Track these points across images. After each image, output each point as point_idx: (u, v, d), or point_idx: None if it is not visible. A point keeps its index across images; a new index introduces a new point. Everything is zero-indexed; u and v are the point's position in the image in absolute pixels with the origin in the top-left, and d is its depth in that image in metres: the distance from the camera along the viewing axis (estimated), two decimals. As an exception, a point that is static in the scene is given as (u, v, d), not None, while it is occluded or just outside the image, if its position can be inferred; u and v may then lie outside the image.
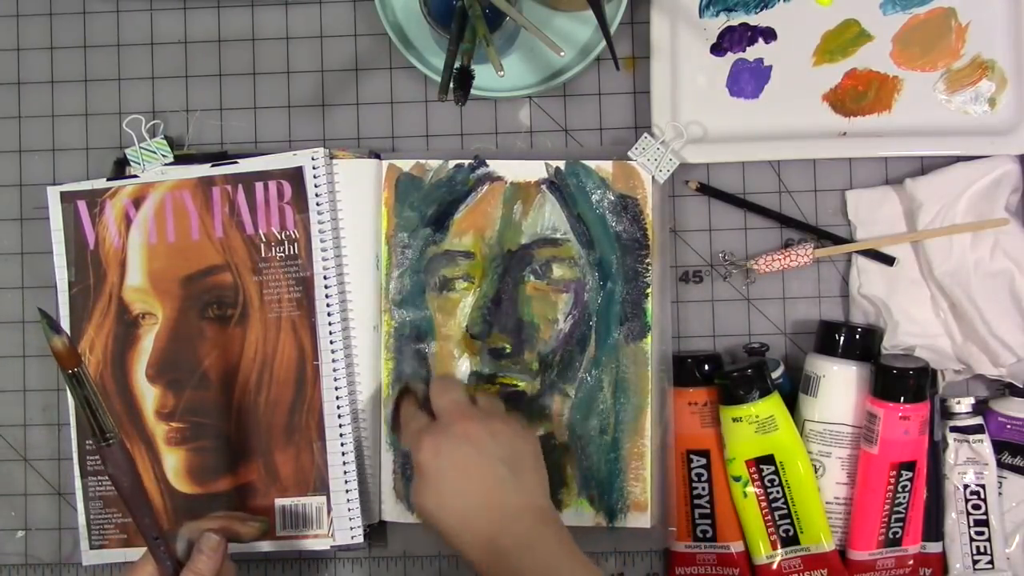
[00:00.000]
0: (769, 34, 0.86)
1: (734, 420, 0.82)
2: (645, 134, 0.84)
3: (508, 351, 0.84)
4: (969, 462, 0.83)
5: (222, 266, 0.86)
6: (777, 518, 0.82)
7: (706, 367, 0.84)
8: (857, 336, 0.83)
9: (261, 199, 0.86)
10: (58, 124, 0.91)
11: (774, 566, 0.83)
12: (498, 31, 0.80)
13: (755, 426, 0.81)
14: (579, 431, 0.85)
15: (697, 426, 0.84)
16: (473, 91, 0.78)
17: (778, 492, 0.82)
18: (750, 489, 0.82)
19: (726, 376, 0.82)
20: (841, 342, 0.83)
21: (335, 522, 0.85)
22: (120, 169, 0.88)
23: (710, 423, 0.84)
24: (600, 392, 0.84)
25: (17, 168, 0.91)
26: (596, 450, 0.84)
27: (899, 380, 0.80)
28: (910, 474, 0.81)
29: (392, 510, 0.86)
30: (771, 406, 0.82)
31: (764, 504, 0.82)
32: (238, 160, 0.87)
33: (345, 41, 0.90)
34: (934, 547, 0.83)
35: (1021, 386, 0.84)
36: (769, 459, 0.82)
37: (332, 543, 0.85)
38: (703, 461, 0.84)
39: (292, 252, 0.86)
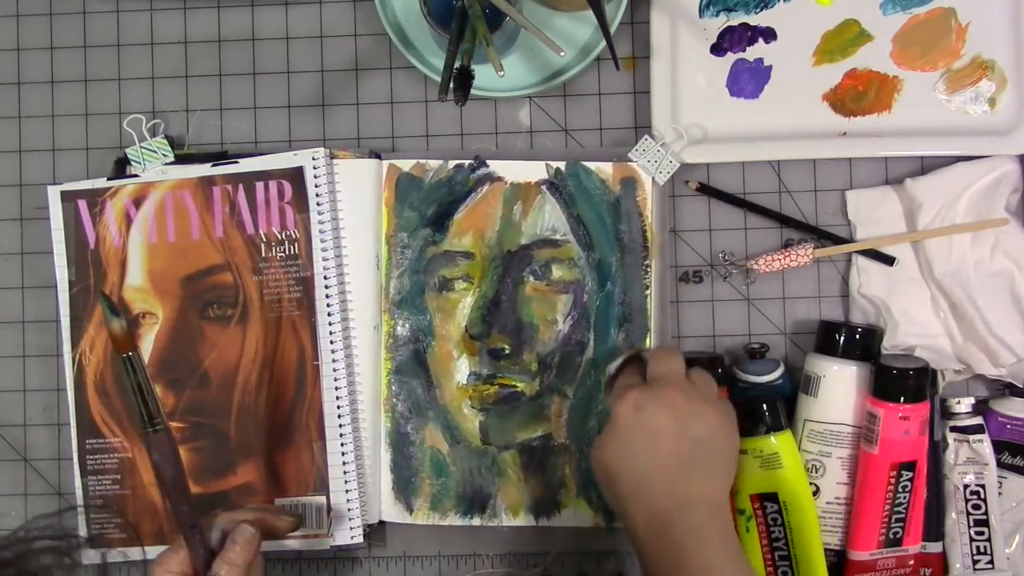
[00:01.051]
0: (769, 34, 0.86)
1: (740, 452, 0.82)
2: (645, 136, 0.84)
3: (507, 352, 0.84)
4: (969, 462, 0.83)
5: (222, 266, 0.86)
6: (777, 559, 0.82)
7: (719, 369, 0.84)
8: (857, 336, 0.83)
9: (261, 199, 0.86)
10: (58, 124, 0.91)
11: (771, 606, 0.83)
12: (498, 31, 0.80)
13: (759, 460, 0.81)
14: (578, 432, 0.85)
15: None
16: (473, 91, 0.78)
17: (780, 532, 0.81)
18: (753, 524, 0.82)
19: (734, 405, 0.82)
20: (841, 342, 0.83)
21: (335, 522, 0.85)
22: (120, 168, 0.88)
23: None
24: (599, 393, 0.84)
25: (17, 168, 0.91)
26: (595, 450, 0.84)
27: (899, 380, 0.80)
28: (910, 474, 0.81)
29: (392, 510, 0.86)
30: (776, 444, 0.81)
31: (765, 542, 0.82)
32: (238, 160, 0.87)
33: (345, 41, 0.90)
34: (934, 547, 0.83)
35: (1021, 386, 0.84)
36: (773, 497, 0.81)
37: (332, 543, 0.85)
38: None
39: (292, 252, 0.86)
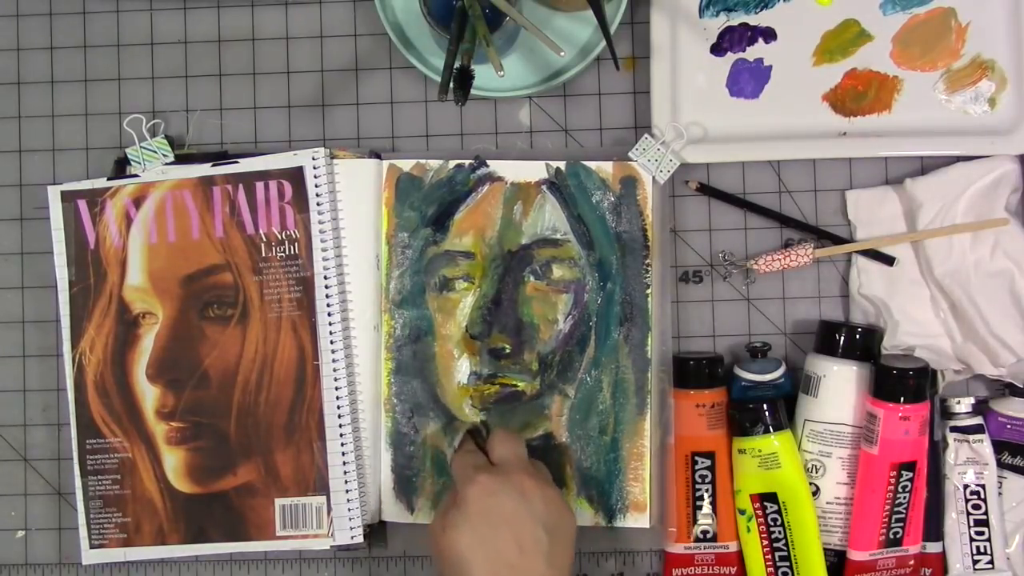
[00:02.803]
0: (769, 34, 0.86)
1: (740, 451, 0.82)
2: (645, 135, 0.84)
3: (508, 351, 0.84)
4: (969, 462, 0.83)
5: (222, 266, 0.86)
6: (777, 559, 0.82)
7: (719, 369, 0.84)
8: (857, 336, 0.83)
9: (261, 199, 0.86)
10: (58, 124, 0.91)
11: (772, 606, 0.83)
12: (498, 31, 0.80)
13: (758, 460, 0.81)
14: (579, 431, 0.85)
15: (704, 428, 0.84)
16: (473, 91, 0.78)
17: (780, 532, 0.82)
18: (754, 524, 0.82)
19: (734, 406, 0.82)
20: (841, 342, 0.83)
21: (335, 522, 0.85)
22: (120, 168, 0.88)
23: (717, 425, 0.84)
24: (600, 392, 0.84)
25: (17, 168, 0.91)
26: (595, 450, 0.84)
27: (899, 380, 0.80)
28: (910, 474, 0.81)
29: (392, 510, 0.86)
30: (774, 444, 0.81)
31: (766, 542, 0.82)
32: (238, 160, 0.87)
33: (345, 41, 0.90)
34: (934, 547, 0.83)
35: (1021, 386, 0.84)
36: (772, 497, 0.82)
37: (332, 543, 0.85)
38: (708, 463, 0.84)
39: (292, 252, 0.86)
